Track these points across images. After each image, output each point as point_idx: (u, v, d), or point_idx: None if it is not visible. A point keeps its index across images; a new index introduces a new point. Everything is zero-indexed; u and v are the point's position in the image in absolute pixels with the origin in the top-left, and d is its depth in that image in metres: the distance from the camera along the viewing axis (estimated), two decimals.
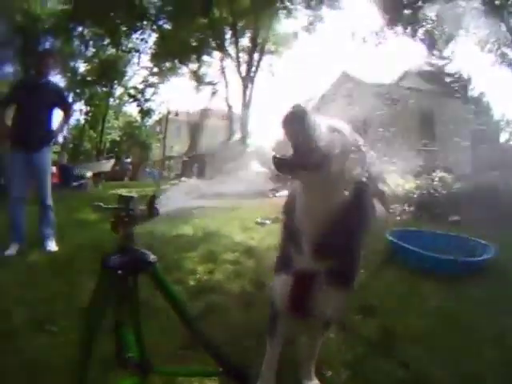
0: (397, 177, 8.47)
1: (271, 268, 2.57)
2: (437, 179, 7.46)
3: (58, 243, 3.81)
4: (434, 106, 13.44)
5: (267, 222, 5.65)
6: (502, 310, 2.50)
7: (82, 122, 28.78)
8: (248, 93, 16.30)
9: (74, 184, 11.56)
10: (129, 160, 23.63)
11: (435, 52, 16.67)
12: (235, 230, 5.12)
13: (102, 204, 1.24)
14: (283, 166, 1.08)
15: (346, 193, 1.14)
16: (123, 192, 1.26)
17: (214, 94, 21.11)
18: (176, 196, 1.38)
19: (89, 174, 12.59)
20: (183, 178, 14.60)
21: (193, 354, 1.71)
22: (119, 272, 1.11)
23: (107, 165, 16.56)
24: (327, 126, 1.10)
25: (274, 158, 1.07)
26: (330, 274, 1.27)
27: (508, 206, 5.55)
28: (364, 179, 1.16)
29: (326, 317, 1.43)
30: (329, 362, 1.83)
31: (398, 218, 6.33)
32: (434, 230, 4.44)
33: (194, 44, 20.44)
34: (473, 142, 10.48)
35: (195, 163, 11.46)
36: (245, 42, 20.32)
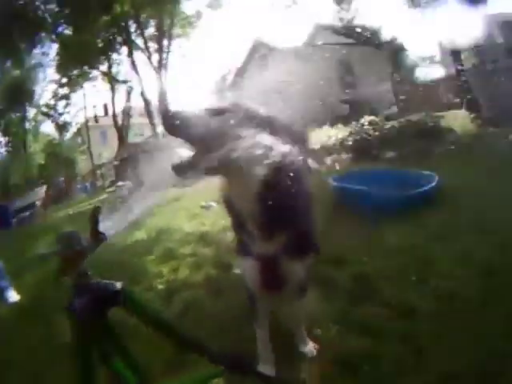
0: (328, 128, 8.70)
1: (230, 248, 2.57)
2: (367, 123, 7.74)
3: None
4: (350, 56, 13.81)
5: (212, 204, 5.49)
6: (458, 232, 2.58)
7: (4, 154, 27.07)
8: (163, 81, 15.66)
9: (19, 217, 10.75)
10: (62, 179, 22.34)
11: (344, 6, 17.15)
12: (184, 221, 5.03)
13: (44, 252, 1.10)
14: (179, 171, 1.17)
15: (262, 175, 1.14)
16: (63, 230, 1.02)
17: (129, 91, 20.42)
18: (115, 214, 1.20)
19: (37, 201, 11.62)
20: (119, 183, 13.82)
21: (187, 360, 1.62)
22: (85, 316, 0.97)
23: (42, 191, 15.39)
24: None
25: (172, 165, 1.15)
26: (288, 248, 1.29)
27: (436, 139, 5.93)
28: (276, 158, 1.15)
29: (299, 285, 1.46)
30: (317, 321, 1.81)
31: (338, 166, 6.53)
32: (375, 168, 4.56)
33: (100, 45, 19.41)
34: (393, 84, 10.94)
35: (128, 165, 10.79)
36: (152, 31, 19.87)
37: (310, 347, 1.65)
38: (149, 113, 16.51)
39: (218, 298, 2.40)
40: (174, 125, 1.14)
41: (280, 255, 1.29)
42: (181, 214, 5.56)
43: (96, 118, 28.06)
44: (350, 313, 1.87)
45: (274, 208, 1.16)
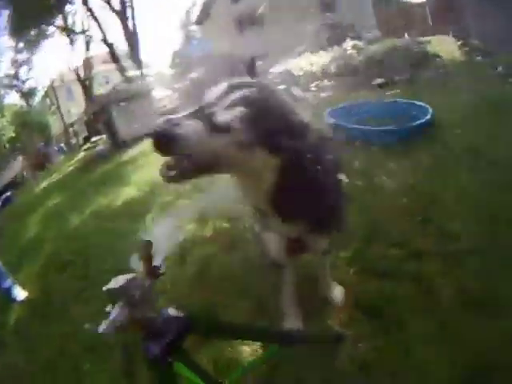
0: (308, 55, 8.29)
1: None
2: (349, 47, 7.37)
3: None
4: None
5: None
6: (455, 168, 2.59)
7: None
8: (130, 23, 14.21)
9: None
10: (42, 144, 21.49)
11: None
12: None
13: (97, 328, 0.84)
14: (174, 179, 0.95)
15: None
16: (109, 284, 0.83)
17: (88, 41, 18.76)
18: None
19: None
20: (93, 139, 13.27)
21: None
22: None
23: (18, 164, 14.61)
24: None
25: (162, 173, 0.94)
26: (313, 227, 1.19)
27: (422, 65, 5.67)
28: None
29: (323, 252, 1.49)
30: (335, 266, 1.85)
31: (323, 94, 6.32)
32: (368, 100, 4.40)
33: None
34: (374, 5, 10.20)
35: (99, 119, 10.18)
36: None
37: (337, 293, 1.71)
38: (114, 57, 15.30)
39: (233, 253, 2.35)
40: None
41: (304, 234, 1.22)
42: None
43: (62, 78, 25.95)
44: (363, 256, 1.92)
45: (295, 192, 1.04)
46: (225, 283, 2.04)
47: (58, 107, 23.48)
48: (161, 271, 0.87)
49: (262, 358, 1.19)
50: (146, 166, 5.61)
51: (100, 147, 11.22)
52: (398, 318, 1.52)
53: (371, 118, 3.70)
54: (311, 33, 9.49)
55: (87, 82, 19.19)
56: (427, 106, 3.47)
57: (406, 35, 7.88)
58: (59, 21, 18.90)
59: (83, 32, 18.80)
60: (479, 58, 5.81)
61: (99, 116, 10.05)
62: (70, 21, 19.05)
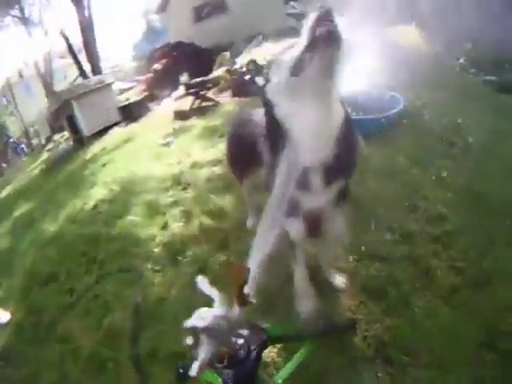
0: (270, 45, 8.19)
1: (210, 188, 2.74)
2: None
3: None
4: None
5: (171, 140, 5.18)
6: (432, 155, 2.74)
7: None
8: (87, 12, 13.38)
9: None
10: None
11: None
12: (148, 164, 4.52)
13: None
14: None
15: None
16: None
17: (46, 34, 17.62)
18: None
19: None
20: (56, 137, 12.65)
21: None
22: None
23: None
24: None
25: None
26: (338, 196, 1.28)
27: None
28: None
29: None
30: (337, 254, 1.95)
31: None
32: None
33: None
34: None
35: (61, 116, 9.72)
36: None
37: (341, 279, 1.80)
38: (71, 51, 14.51)
39: (225, 251, 2.34)
40: None
41: (328, 206, 1.29)
42: (141, 157, 5.03)
43: (20, 73, 24.13)
44: (360, 241, 2.01)
45: (347, 146, 1.15)
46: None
47: (16, 106, 21.95)
48: (250, 300, 0.82)
49: (303, 354, 1.20)
50: (111, 163, 5.45)
51: (63, 146, 10.75)
52: (402, 298, 1.64)
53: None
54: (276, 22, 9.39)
55: (48, 77, 18.14)
56: (398, 96, 3.54)
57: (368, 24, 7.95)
58: (15, 11, 17.65)
59: (40, 23, 17.76)
60: (439, 49, 5.95)
61: (62, 112, 9.61)
62: (26, 11, 17.83)
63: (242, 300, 0.79)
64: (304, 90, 1.05)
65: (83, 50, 13.50)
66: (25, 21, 17.94)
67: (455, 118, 3.20)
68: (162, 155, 4.66)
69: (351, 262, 1.93)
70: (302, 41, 1.01)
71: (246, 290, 0.81)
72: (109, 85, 9.33)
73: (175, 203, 3.20)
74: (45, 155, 11.33)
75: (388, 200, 2.31)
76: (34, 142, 19.14)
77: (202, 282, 0.81)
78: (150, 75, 11.05)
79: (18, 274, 3.48)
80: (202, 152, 4.12)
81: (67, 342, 2.19)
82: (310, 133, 1.09)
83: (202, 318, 0.75)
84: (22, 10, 17.69)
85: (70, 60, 15.27)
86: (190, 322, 0.75)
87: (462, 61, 5.04)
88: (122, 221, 3.30)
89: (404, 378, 1.38)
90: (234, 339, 0.79)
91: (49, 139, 14.15)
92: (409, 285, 1.70)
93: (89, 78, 11.78)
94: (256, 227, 1.13)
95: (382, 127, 3.18)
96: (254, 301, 0.82)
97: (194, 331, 0.75)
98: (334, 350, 1.48)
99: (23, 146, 19.79)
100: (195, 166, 3.78)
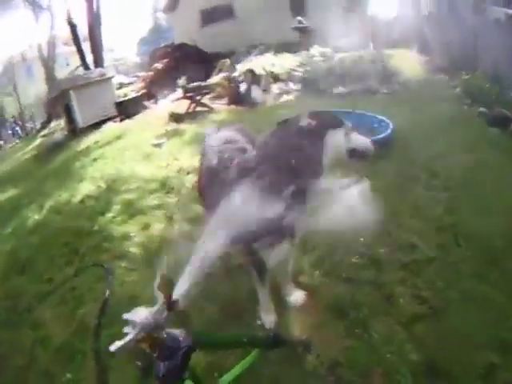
0: (271, 56, 8.39)
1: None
2: (317, 54, 7.53)
3: None
4: None
5: (164, 140, 5.31)
6: (412, 183, 2.85)
7: None
8: (95, 3, 13.43)
9: None
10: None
11: None
12: (137, 164, 4.60)
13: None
14: None
15: None
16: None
17: (52, 19, 17.43)
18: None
19: None
20: (52, 125, 12.62)
21: None
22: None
23: None
24: None
25: None
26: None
27: (384, 78, 5.97)
28: None
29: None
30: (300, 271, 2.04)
31: (286, 97, 6.46)
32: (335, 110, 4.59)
33: None
34: (343, 13, 10.41)
35: (59, 103, 9.73)
36: None
37: (298, 296, 1.88)
38: (76, 41, 14.52)
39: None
40: None
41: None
42: (130, 155, 5.11)
43: (23, 56, 24.19)
44: (326, 261, 2.09)
45: None
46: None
47: (15, 87, 21.71)
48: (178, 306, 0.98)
49: (248, 361, 1.33)
50: (101, 159, 5.53)
51: (57, 134, 10.76)
52: (361, 321, 1.72)
53: None
54: (280, 33, 9.60)
55: (50, 62, 18.07)
56: (388, 120, 3.65)
57: (371, 46, 8.19)
58: None
59: (49, 8, 17.70)
60: (440, 75, 6.15)
61: (60, 100, 9.66)
62: None
63: (169, 306, 0.96)
64: None
65: (88, 40, 13.51)
66: (33, 4, 17.84)
67: (442, 149, 3.28)
68: (151, 156, 4.77)
69: (316, 278, 2.02)
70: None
71: (174, 297, 0.98)
72: (109, 79, 9.43)
73: (158, 206, 3.30)
74: (38, 141, 11.32)
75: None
76: (29, 125, 19.01)
77: (154, 286, 0.99)
78: (150, 73, 11.16)
79: None
80: (190, 158, 4.21)
81: (40, 329, 2.26)
82: None
83: (137, 313, 0.93)
84: None
85: (73, 47, 15.22)
86: (127, 315, 0.92)
87: (458, 90, 5.22)
88: (103, 217, 3.41)
89: None
90: (165, 335, 0.95)
91: (44, 125, 14.09)
92: (370, 309, 1.77)
93: (90, 69, 11.83)
94: None
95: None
96: (179, 306, 0.99)
97: (130, 324, 0.92)
98: (286, 361, 1.55)
99: (18, 128, 19.62)
100: (181, 171, 3.88)
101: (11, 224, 4.41)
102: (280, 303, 1.87)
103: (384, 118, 3.76)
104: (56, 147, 8.61)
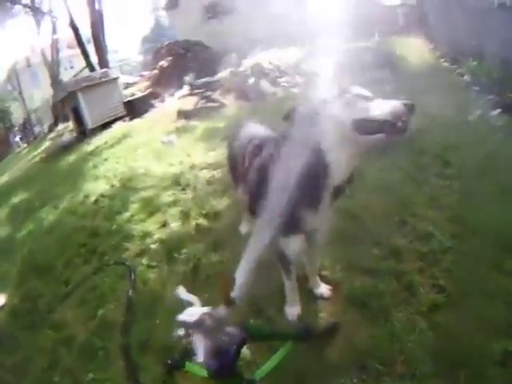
0: (276, 50, 8.33)
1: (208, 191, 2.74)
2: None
3: None
4: None
5: (173, 138, 5.27)
6: (427, 174, 2.78)
7: None
8: (97, 4, 13.44)
9: None
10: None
11: None
12: (149, 162, 4.59)
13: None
14: None
15: None
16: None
17: (54, 23, 17.81)
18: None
19: None
20: (60, 127, 12.70)
21: None
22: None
23: None
24: None
25: None
26: None
27: (391, 67, 5.83)
28: None
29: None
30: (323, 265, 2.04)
31: (295, 90, 6.40)
32: None
33: None
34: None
35: (67, 105, 9.80)
36: None
37: (324, 289, 1.91)
38: (79, 42, 14.57)
39: (221, 252, 2.42)
40: None
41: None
42: (142, 154, 5.12)
43: (28, 62, 24.36)
44: (348, 253, 2.09)
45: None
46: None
47: (21, 93, 21.94)
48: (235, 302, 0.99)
49: (282, 354, 1.30)
50: (112, 158, 5.55)
51: (66, 136, 10.82)
52: (383, 310, 1.72)
53: None
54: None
55: (54, 66, 18.19)
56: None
57: (376, 35, 8.04)
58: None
59: (50, 13, 17.79)
60: (446, 64, 5.99)
61: (67, 103, 9.71)
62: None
63: (228, 302, 0.95)
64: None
65: (91, 42, 13.56)
66: (34, 9, 17.95)
67: (454, 137, 3.23)
68: (163, 154, 4.75)
69: (338, 272, 2.01)
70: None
71: (233, 294, 0.96)
72: (115, 79, 9.46)
73: (174, 203, 3.29)
74: (46, 144, 11.39)
75: (379, 214, 2.38)
76: (37, 129, 19.17)
77: (181, 291, 0.94)
78: (155, 72, 11.13)
79: (15, 261, 3.57)
80: (203, 154, 4.22)
81: (62, 330, 2.27)
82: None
83: (191, 314, 0.88)
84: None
85: (77, 50, 15.31)
86: (181, 317, 0.88)
87: (466, 78, 5.09)
88: (121, 216, 3.41)
89: None
90: (219, 335, 0.90)
91: (51, 128, 14.21)
92: (391, 298, 1.77)
93: (95, 70, 11.87)
94: (247, 235, 1.25)
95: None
96: (238, 302, 0.99)
97: (185, 325, 0.87)
98: (312, 353, 1.55)
99: (18, 139, 19.76)
100: (195, 167, 3.87)
101: (26, 226, 4.42)
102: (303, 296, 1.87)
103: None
104: (65, 149, 8.67)
